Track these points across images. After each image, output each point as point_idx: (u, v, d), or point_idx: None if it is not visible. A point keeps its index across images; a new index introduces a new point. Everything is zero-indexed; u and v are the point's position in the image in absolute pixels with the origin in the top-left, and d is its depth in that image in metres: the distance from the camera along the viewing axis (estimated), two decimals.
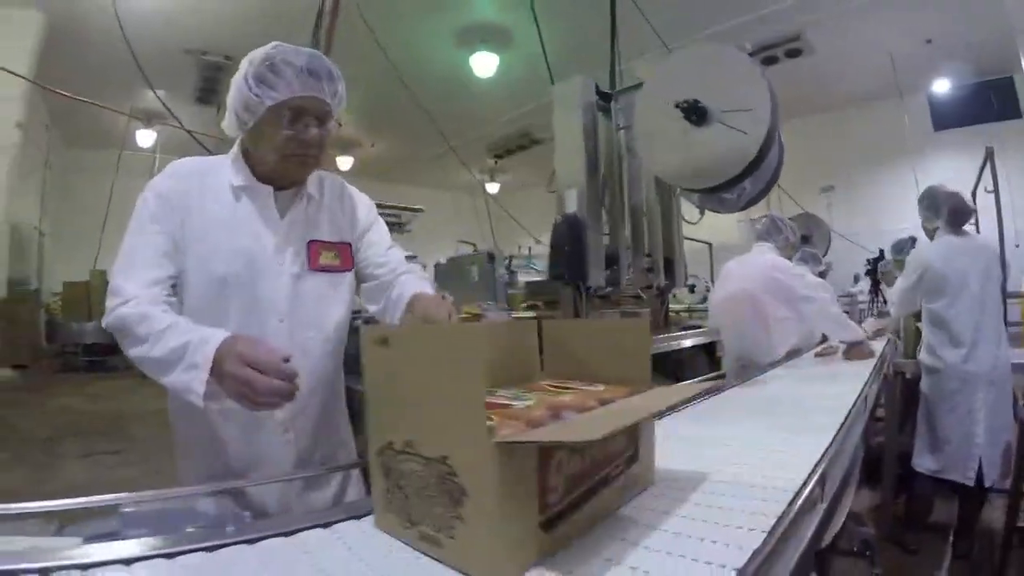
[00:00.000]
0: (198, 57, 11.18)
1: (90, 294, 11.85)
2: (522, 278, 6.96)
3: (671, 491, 1.14)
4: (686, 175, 2.63)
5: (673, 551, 0.85)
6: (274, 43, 1.52)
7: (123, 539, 0.93)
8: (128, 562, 0.86)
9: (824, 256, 6.51)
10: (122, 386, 9.91)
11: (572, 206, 2.63)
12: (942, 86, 10.65)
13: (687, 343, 2.86)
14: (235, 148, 1.60)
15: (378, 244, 1.79)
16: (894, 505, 3.91)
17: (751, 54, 7.82)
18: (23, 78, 8.85)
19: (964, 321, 3.57)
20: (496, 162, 15.62)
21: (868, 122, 11.25)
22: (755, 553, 0.83)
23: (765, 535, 0.89)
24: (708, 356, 3.08)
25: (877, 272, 7.68)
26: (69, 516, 1.23)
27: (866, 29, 9.49)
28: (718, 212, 3.25)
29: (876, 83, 10.65)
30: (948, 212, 3.67)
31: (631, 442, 1.09)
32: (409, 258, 1.88)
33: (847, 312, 4.14)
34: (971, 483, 3.45)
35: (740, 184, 2.68)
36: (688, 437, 1.64)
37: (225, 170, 1.58)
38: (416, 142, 12.95)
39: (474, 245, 8.27)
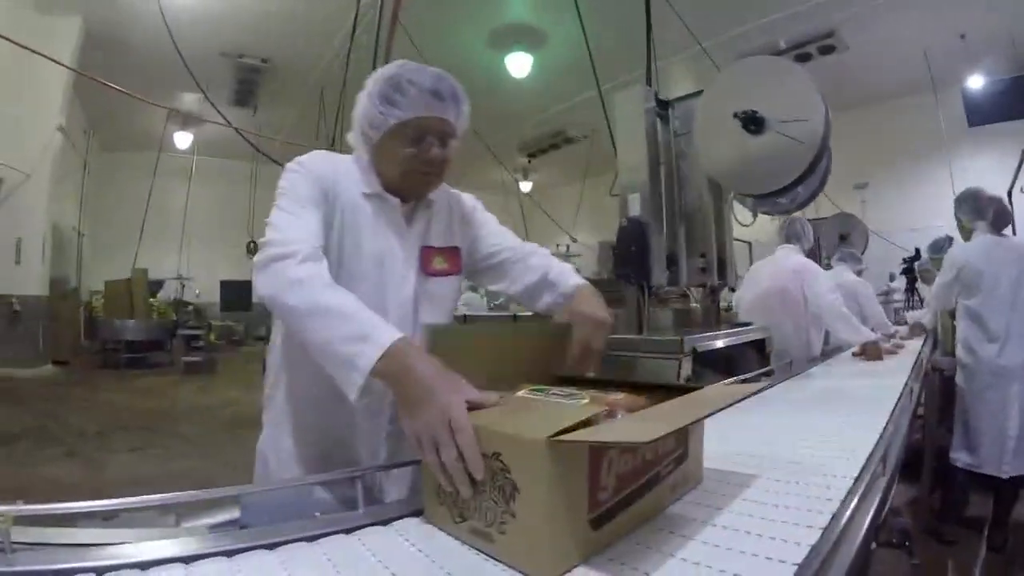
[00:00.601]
0: (235, 60, 11.35)
1: (132, 292, 12.07)
2: None
3: (722, 487, 1.14)
4: (744, 181, 2.74)
5: (732, 546, 0.86)
6: (401, 62, 1.54)
7: (181, 537, 0.93)
8: (187, 560, 0.85)
9: (862, 254, 6.53)
10: (166, 382, 10.15)
11: (635, 209, 2.75)
12: (976, 82, 10.53)
13: (738, 340, 2.94)
14: (366, 157, 1.60)
15: (489, 231, 1.78)
16: (930, 499, 3.98)
17: (784, 51, 7.92)
18: (77, 71, 9.04)
19: (997, 318, 3.68)
20: (529, 161, 15.73)
21: (902, 118, 11.16)
22: (813, 549, 0.83)
23: (822, 531, 0.90)
24: (759, 352, 3.16)
25: (914, 270, 7.68)
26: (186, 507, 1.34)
27: (899, 25, 9.46)
28: (771, 215, 3.36)
29: (910, 79, 10.58)
30: (993, 214, 3.79)
31: (681, 442, 1.09)
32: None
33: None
34: (1005, 476, 3.54)
35: (795, 189, 2.78)
36: (736, 431, 1.67)
37: (354, 174, 1.58)
38: None
39: None
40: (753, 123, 2.59)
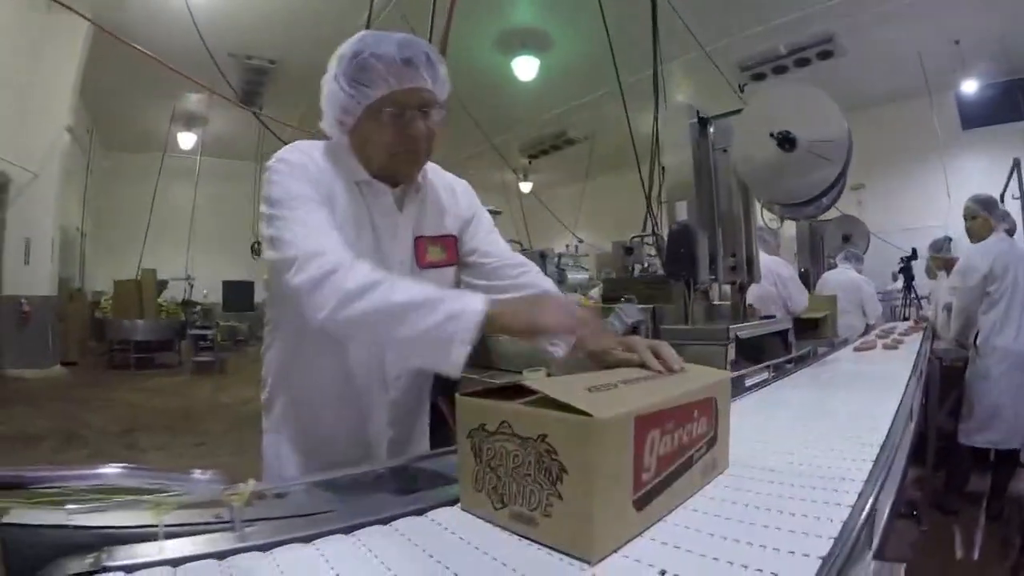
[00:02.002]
0: (242, 61, 11.46)
1: (141, 292, 12.15)
2: (572, 276, 7.22)
3: (747, 473, 1.17)
4: (778, 192, 3.00)
5: (753, 540, 0.85)
6: (361, 34, 1.42)
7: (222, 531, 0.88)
8: (175, 563, 0.79)
9: (864, 254, 6.79)
10: (178, 382, 10.27)
11: (683, 215, 2.99)
12: (970, 86, 10.76)
13: (770, 329, 3.26)
14: (345, 142, 1.48)
15: (484, 233, 1.69)
16: (934, 476, 4.34)
17: (784, 56, 8.13)
18: (105, 29, 9.07)
19: (1013, 309, 4.10)
20: (530, 162, 15.90)
21: (898, 122, 11.34)
22: (837, 541, 0.84)
23: (842, 524, 0.90)
24: (782, 342, 3.41)
25: (911, 270, 7.91)
26: None
27: (895, 31, 9.67)
28: (796, 220, 3.66)
29: (905, 83, 10.80)
30: (1010, 219, 4.27)
31: (711, 424, 1.11)
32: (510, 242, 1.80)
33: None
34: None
35: (820, 200, 3.04)
36: (756, 415, 1.77)
37: (339, 162, 1.47)
38: (451, 143, 13.24)
39: (520, 243, 8.53)
40: (787, 142, 2.85)
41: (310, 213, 1.32)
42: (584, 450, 0.79)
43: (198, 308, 13.56)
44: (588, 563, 0.79)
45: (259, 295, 17.41)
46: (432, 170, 1.64)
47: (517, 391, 0.91)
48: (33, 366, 10.09)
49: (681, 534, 0.89)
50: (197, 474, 0.88)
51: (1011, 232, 4.28)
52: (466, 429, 0.96)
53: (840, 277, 6.02)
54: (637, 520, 0.88)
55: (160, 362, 12.16)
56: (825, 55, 10.44)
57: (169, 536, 0.82)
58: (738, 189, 3.21)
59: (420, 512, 1.00)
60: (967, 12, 9.08)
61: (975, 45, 9.81)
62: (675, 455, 0.97)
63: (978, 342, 4.21)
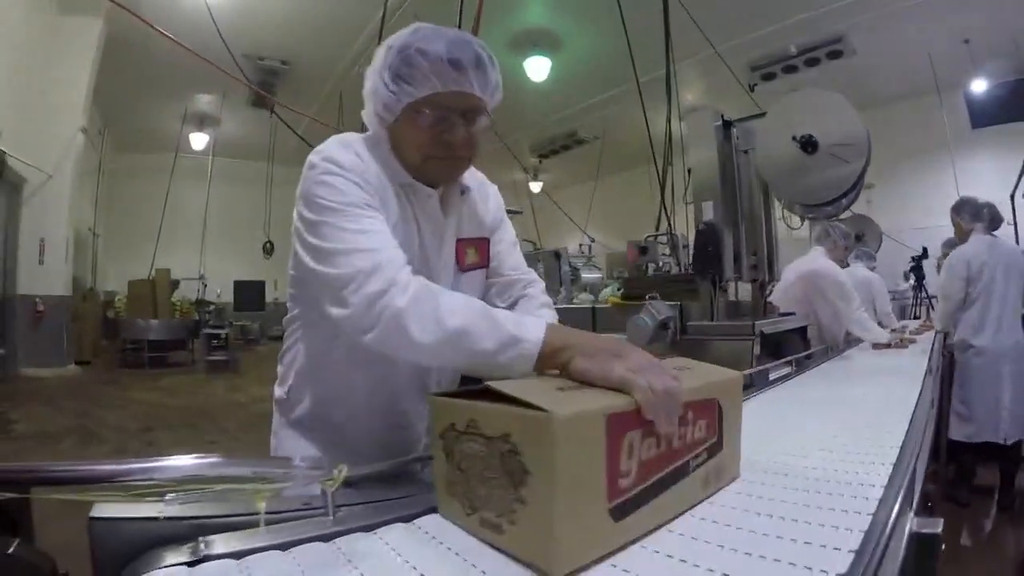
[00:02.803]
0: (255, 62, 11.53)
1: (155, 292, 12.23)
2: (585, 275, 7.27)
3: (760, 481, 1.09)
4: (800, 193, 3.09)
5: (767, 554, 0.78)
6: (415, 26, 1.32)
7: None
8: (284, 547, 0.82)
9: (875, 252, 6.86)
10: (192, 380, 10.33)
11: (709, 214, 3.10)
12: (979, 85, 10.77)
13: (791, 326, 3.34)
14: (384, 137, 1.38)
15: (507, 244, 1.63)
16: (946, 469, 4.48)
17: (795, 56, 8.19)
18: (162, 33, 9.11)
19: (993, 307, 4.23)
20: (540, 161, 15.94)
21: (907, 121, 11.32)
22: (858, 554, 0.77)
23: (863, 534, 0.83)
24: (801, 338, 3.48)
25: (921, 268, 7.96)
26: None
27: (905, 30, 9.71)
28: (816, 220, 3.74)
29: (915, 83, 10.85)
30: (988, 217, 4.33)
31: (713, 429, 1.01)
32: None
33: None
34: (1006, 442, 4.12)
35: (840, 200, 3.12)
36: (771, 417, 1.73)
37: (382, 161, 1.37)
38: None
39: (533, 243, 8.57)
40: (810, 145, 2.93)
41: (367, 220, 1.23)
42: (543, 450, 0.73)
43: (211, 308, 13.63)
44: None
45: (270, 295, 17.58)
46: (474, 172, 1.58)
47: (493, 395, 0.83)
48: (48, 365, 10.16)
49: (685, 545, 0.82)
50: (296, 461, 0.89)
51: (993, 228, 4.38)
52: (439, 429, 0.91)
53: (852, 275, 6.08)
54: (614, 532, 0.80)
55: (173, 361, 12.25)
56: (835, 55, 10.48)
57: (269, 523, 0.85)
58: (759, 190, 3.30)
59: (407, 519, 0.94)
60: (976, 11, 9.11)
61: (985, 44, 9.84)
62: (663, 461, 0.89)
63: (960, 338, 4.37)
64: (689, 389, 0.93)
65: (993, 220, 4.38)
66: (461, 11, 4.54)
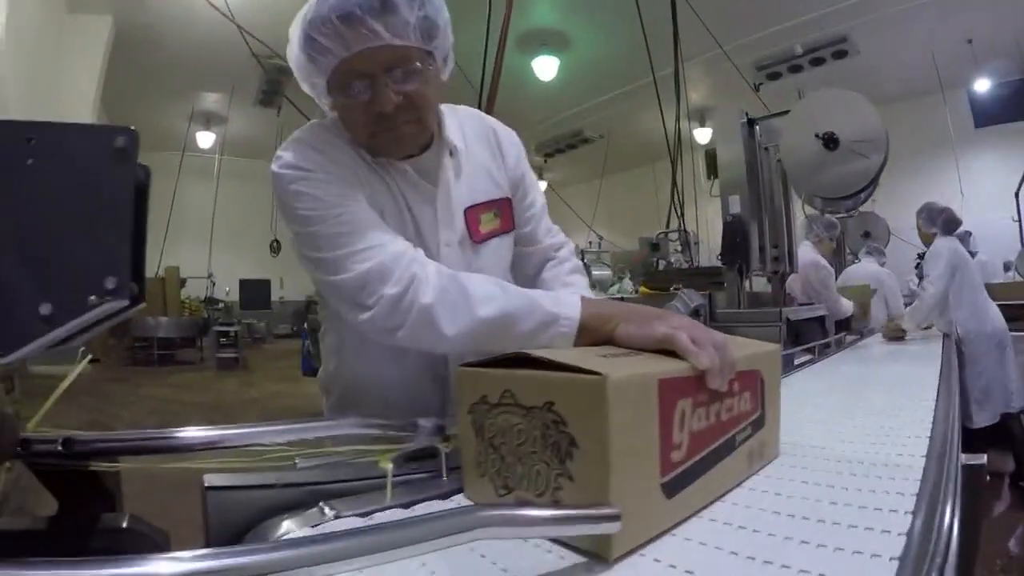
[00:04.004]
0: (264, 61, 11.58)
1: (165, 289, 12.29)
2: (596, 272, 7.35)
3: (800, 463, 1.01)
4: (821, 187, 3.19)
5: (811, 539, 0.70)
6: None
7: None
8: (406, 505, 0.82)
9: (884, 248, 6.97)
10: (203, 378, 10.39)
11: (736, 208, 3.21)
12: (982, 84, 10.86)
13: (812, 314, 3.46)
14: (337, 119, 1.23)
15: (539, 207, 1.48)
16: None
17: (800, 56, 8.29)
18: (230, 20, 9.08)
19: (979, 297, 4.60)
20: (546, 160, 15.94)
21: (911, 120, 11.34)
22: (909, 534, 0.70)
23: (911, 515, 0.75)
24: (820, 327, 3.58)
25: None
26: None
27: (908, 30, 9.79)
28: (836, 213, 3.89)
29: (918, 82, 10.93)
30: (943, 221, 4.65)
31: (758, 402, 0.95)
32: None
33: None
34: (1014, 410, 4.41)
35: (859, 194, 3.24)
36: (804, 400, 1.70)
37: (350, 144, 1.22)
38: None
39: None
40: (831, 142, 3.05)
41: (352, 218, 1.12)
42: (597, 417, 0.65)
43: (220, 305, 13.71)
44: (607, 562, 0.65)
45: (275, 293, 17.65)
46: (462, 117, 1.39)
47: (527, 363, 0.74)
48: (58, 363, 10.17)
49: (722, 532, 0.73)
50: (421, 422, 0.90)
51: (949, 231, 4.67)
52: (467, 404, 0.80)
53: (861, 271, 6.16)
54: (667, 510, 0.73)
55: (182, 359, 12.35)
56: (840, 54, 10.56)
57: (394, 484, 0.84)
58: (780, 184, 3.42)
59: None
60: (980, 11, 9.19)
61: (988, 44, 9.92)
62: (713, 434, 0.82)
63: (957, 327, 4.59)
64: (746, 356, 0.90)
65: (948, 223, 4.68)
66: (490, 12, 4.59)
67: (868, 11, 9.44)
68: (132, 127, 0.61)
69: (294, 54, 1.13)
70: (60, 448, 0.79)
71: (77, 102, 10.57)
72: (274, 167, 1.14)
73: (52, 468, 0.77)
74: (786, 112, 3.30)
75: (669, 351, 0.83)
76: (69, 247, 0.58)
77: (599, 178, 15.26)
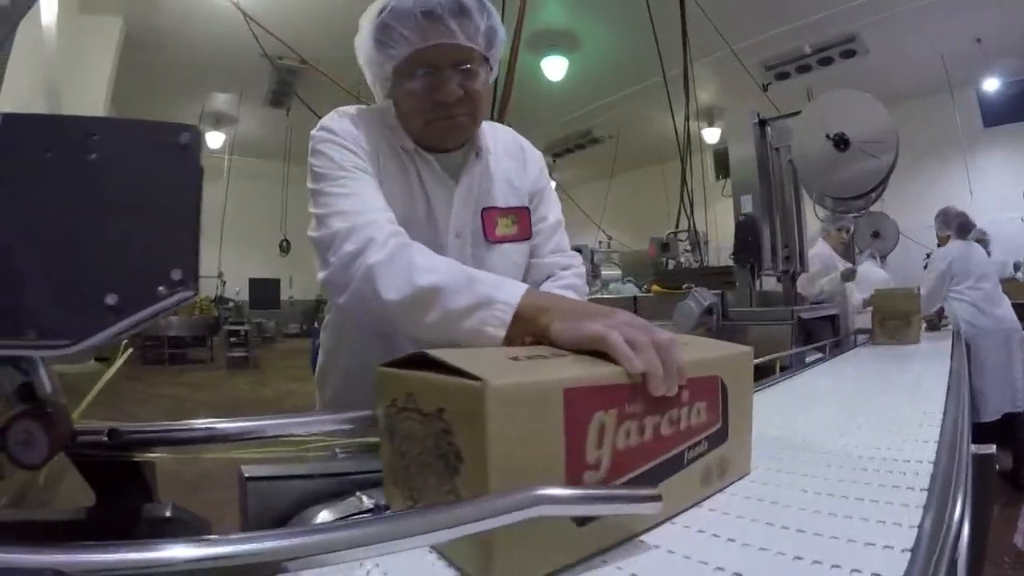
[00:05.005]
0: (274, 61, 11.62)
1: None
2: (606, 272, 7.36)
3: (776, 476, 0.91)
4: (832, 187, 3.24)
5: (823, 532, 0.68)
6: None
7: None
8: None
9: (893, 248, 7.01)
10: (214, 377, 10.47)
11: (748, 207, 3.25)
12: (991, 84, 10.81)
13: (824, 313, 3.53)
14: (389, 106, 1.36)
15: (549, 223, 1.53)
16: None
17: (808, 56, 8.30)
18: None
19: (988, 296, 4.75)
20: (555, 160, 15.86)
21: (920, 119, 11.26)
22: (921, 526, 0.68)
23: (916, 528, 0.68)
24: (832, 326, 3.61)
25: None
26: None
27: (917, 29, 9.73)
28: (846, 214, 3.95)
29: (927, 81, 10.87)
30: (957, 225, 4.93)
31: (715, 413, 0.83)
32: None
33: None
34: (1020, 408, 4.55)
35: (869, 195, 3.28)
36: (787, 406, 1.58)
37: (388, 128, 1.34)
38: None
39: None
40: (842, 142, 3.09)
41: (355, 182, 1.21)
42: (476, 429, 0.57)
43: (231, 305, 13.78)
44: None
45: (285, 293, 17.72)
46: (497, 131, 1.51)
47: (438, 365, 0.64)
48: (69, 361, 10.21)
49: (660, 563, 0.65)
50: None
51: (962, 235, 4.94)
52: (381, 407, 0.74)
53: (875, 275, 6.19)
54: (577, 541, 0.63)
55: (193, 358, 12.42)
56: (848, 54, 10.53)
57: None
58: (790, 185, 3.46)
59: None
60: (988, 10, 9.15)
61: (997, 43, 9.88)
62: (650, 451, 0.71)
63: (963, 325, 4.73)
64: (687, 363, 0.76)
65: (961, 227, 4.94)
66: (503, 13, 4.62)
67: (877, 10, 9.42)
68: (194, 125, 0.64)
69: (363, 42, 1.27)
70: (106, 439, 0.81)
71: (88, 102, 10.61)
72: (313, 130, 1.28)
73: (92, 459, 0.79)
74: (797, 113, 3.34)
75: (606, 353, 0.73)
76: (135, 240, 0.59)
77: (608, 178, 15.26)
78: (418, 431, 0.65)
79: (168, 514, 0.79)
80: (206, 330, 12.82)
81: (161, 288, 0.59)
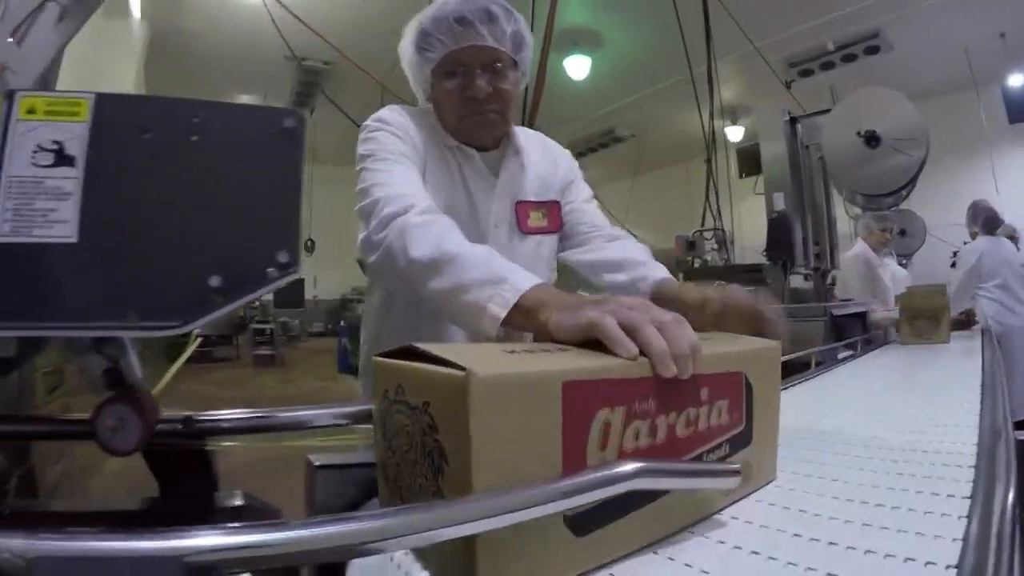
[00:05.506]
0: (298, 63, 11.69)
1: None
2: None
3: (805, 482, 0.85)
4: (863, 184, 3.26)
5: (872, 522, 0.66)
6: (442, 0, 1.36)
7: None
8: None
9: (919, 247, 6.98)
10: (240, 375, 10.56)
11: (780, 205, 3.29)
12: (1017, 79, 10.70)
13: (857, 309, 3.51)
14: (431, 108, 1.50)
15: (583, 203, 1.62)
16: None
17: (832, 52, 8.28)
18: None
19: (1015, 293, 4.67)
20: (578, 160, 15.69)
21: (944, 115, 11.10)
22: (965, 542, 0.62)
23: (961, 542, 0.63)
24: (862, 323, 3.62)
25: None
26: None
27: (941, 25, 9.66)
28: (876, 211, 3.97)
29: (952, 77, 10.80)
30: (984, 220, 4.86)
31: (739, 413, 0.76)
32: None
33: None
34: None
35: (900, 192, 3.30)
36: (817, 404, 1.55)
37: (433, 127, 1.47)
38: None
39: None
40: (873, 139, 3.12)
41: (398, 164, 1.30)
42: (460, 425, 0.51)
43: (256, 304, 13.86)
44: None
45: (309, 292, 17.78)
46: (532, 136, 1.63)
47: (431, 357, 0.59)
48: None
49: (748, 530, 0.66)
50: None
51: (990, 231, 4.86)
52: (376, 399, 0.69)
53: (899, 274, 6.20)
54: (575, 553, 0.57)
55: (219, 356, 12.48)
56: (872, 50, 10.47)
57: None
58: (820, 182, 3.49)
59: None
60: (1012, 4, 9.06)
61: (1021, 38, 9.79)
62: (663, 453, 0.64)
63: (991, 323, 4.68)
64: (706, 357, 0.68)
65: (988, 223, 4.88)
66: (533, 16, 4.65)
67: (900, 6, 9.35)
68: (299, 109, 0.65)
69: (406, 48, 1.42)
70: (181, 427, 0.85)
71: None
72: (366, 120, 1.40)
73: (161, 448, 0.81)
74: (828, 110, 3.37)
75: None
76: (240, 222, 0.60)
77: (631, 177, 15.24)
78: (407, 426, 0.60)
79: (240, 502, 0.82)
80: (232, 329, 12.90)
81: (271, 270, 0.61)
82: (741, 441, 0.76)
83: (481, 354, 0.59)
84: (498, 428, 0.51)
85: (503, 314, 0.94)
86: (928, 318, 3.22)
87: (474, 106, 1.38)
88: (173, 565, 0.38)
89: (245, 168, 0.61)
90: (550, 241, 1.57)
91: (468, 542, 0.50)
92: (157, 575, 0.38)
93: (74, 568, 0.37)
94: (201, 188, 0.59)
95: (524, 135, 1.59)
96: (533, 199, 1.53)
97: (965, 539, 0.63)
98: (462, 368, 0.51)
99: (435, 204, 1.22)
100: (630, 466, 0.55)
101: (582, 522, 0.57)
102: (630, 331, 0.65)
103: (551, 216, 1.55)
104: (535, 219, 1.52)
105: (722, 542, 0.65)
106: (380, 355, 0.67)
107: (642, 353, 0.64)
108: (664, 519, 0.66)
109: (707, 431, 0.70)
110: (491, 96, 1.38)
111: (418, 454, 0.58)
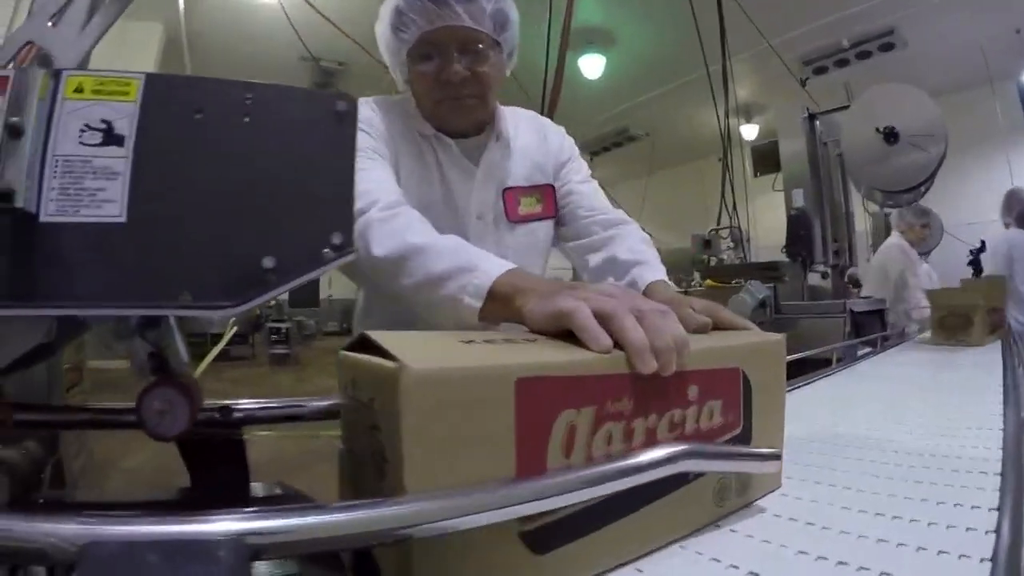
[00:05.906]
0: (314, 64, 11.74)
1: None
2: None
3: (813, 490, 0.79)
4: (881, 180, 3.27)
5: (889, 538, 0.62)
6: None
7: None
8: None
9: (937, 245, 6.91)
10: (257, 373, 10.65)
11: (799, 202, 3.32)
12: None
13: (875, 307, 3.52)
14: (411, 98, 1.41)
15: (579, 184, 1.52)
16: None
17: (846, 50, 8.26)
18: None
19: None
20: (592, 159, 15.77)
21: (960, 113, 11.03)
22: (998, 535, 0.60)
23: (997, 512, 0.64)
24: (880, 320, 3.62)
25: (979, 262, 7.94)
26: None
27: (956, 21, 9.62)
28: (896, 207, 3.97)
29: (967, 74, 10.74)
30: (1016, 214, 4.70)
31: (735, 414, 0.68)
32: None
33: None
34: None
35: (919, 188, 3.31)
36: (828, 404, 1.50)
37: (409, 116, 1.39)
38: None
39: None
40: (892, 136, 3.13)
41: (368, 160, 1.24)
42: (393, 424, 0.46)
43: (272, 303, 13.94)
44: None
45: (323, 291, 17.84)
46: (525, 117, 1.55)
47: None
48: (112, 358, 10.41)
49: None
50: None
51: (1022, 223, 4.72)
52: (340, 394, 0.64)
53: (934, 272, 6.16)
54: (537, 570, 0.52)
55: (235, 355, 12.51)
56: (887, 47, 10.44)
57: None
58: (839, 179, 3.50)
59: None
60: None
61: None
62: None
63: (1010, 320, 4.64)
64: (696, 351, 0.61)
65: (1021, 217, 4.75)
66: (551, 17, 4.65)
67: (915, 2, 9.32)
68: (350, 94, 0.65)
69: (382, 29, 1.33)
70: (218, 416, 0.85)
71: None
72: None
73: (195, 436, 0.77)
74: (846, 107, 3.38)
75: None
76: (293, 203, 0.59)
77: (646, 176, 15.24)
78: (358, 423, 0.55)
79: (278, 491, 0.81)
80: (248, 327, 12.97)
81: (326, 251, 0.59)
82: (739, 443, 0.69)
83: (429, 345, 0.56)
84: (437, 429, 0.46)
85: (479, 304, 0.90)
86: (960, 316, 2.90)
87: (450, 90, 1.30)
88: (235, 546, 0.36)
89: (299, 150, 0.61)
90: (545, 228, 1.49)
91: (403, 554, 0.46)
92: (219, 557, 0.36)
93: (131, 553, 0.34)
94: (254, 169, 0.59)
95: (514, 117, 1.52)
96: (524, 184, 1.45)
97: (994, 559, 0.56)
98: (397, 359, 0.46)
99: (406, 199, 1.18)
100: (682, 447, 0.54)
101: (543, 539, 0.51)
102: (605, 321, 0.60)
103: (545, 201, 1.47)
104: (527, 205, 1.44)
105: (716, 560, 0.59)
106: (344, 348, 0.62)
107: (619, 346, 0.58)
108: (664, 524, 0.61)
109: (695, 434, 0.62)
110: (468, 80, 1.30)
111: (367, 455, 0.53)
